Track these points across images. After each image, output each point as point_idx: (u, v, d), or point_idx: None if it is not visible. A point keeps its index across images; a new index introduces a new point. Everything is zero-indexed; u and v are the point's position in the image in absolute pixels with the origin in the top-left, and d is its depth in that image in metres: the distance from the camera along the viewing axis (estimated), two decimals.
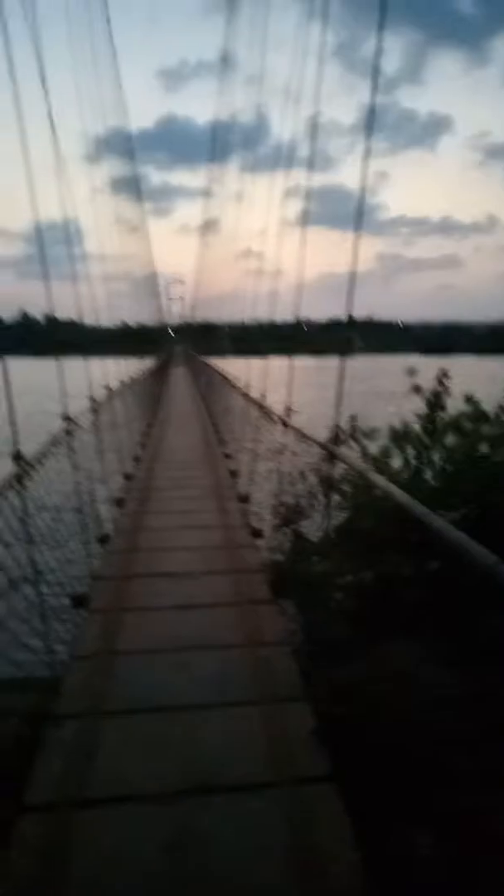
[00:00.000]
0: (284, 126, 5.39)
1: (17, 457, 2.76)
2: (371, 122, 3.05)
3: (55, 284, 4.63)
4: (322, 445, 3.19)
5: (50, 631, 3.13)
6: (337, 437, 3.15)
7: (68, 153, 5.29)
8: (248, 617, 3.66)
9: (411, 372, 6.12)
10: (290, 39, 4.77)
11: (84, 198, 8.31)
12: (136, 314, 17.26)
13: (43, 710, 2.73)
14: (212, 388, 15.99)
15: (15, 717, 2.76)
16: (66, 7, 6.85)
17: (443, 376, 5.90)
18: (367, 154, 3.02)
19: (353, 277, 3.13)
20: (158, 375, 21.07)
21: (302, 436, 3.75)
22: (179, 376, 30.51)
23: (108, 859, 1.98)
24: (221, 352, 16.53)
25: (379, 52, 2.99)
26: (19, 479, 2.70)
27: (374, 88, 2.93)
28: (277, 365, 7.43)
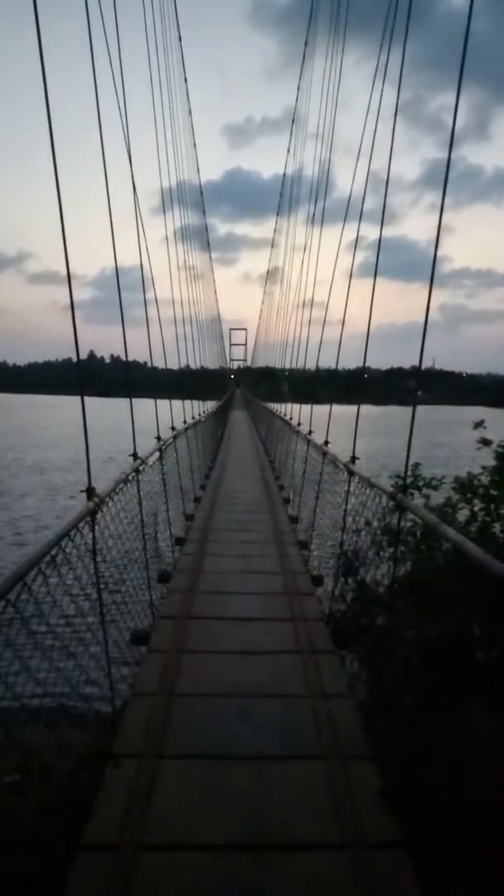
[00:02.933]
0: (349, 180, 5.54)
1: (90, 493, 2.84)
2: (446, 178, 3.09)
3: (121, 329, 4.83)
4: (390, 495, 3.14)
5: (111, 666, 3.14)
6: (406, 488, 3.09)
7: (142, 204, 5.59)
8: (310, 666, 3.57)
9: (479, 424, 5.99)
10: (354, 98, 4.97)
11: (154, 246, 8.71)
12: (199, 358, 17.72)
13: (104, 750, 2.71)
14: (271, 432, 16.09)
15: (74, 755, 2.76)
16: (148, 67, 7.34)
17: None
18: (441, 215, 3.05)
19: (424, 330, 3.12)
20: (219, 418, 21.40)
21: (369, 484, 3.70)
22: (239, 420, 30.89)
23: None
24: (281, 397, 16.69)
25: (456, 111, 3.05)
26: (92, 514, 2.76)
27: (448, 163, 2.98)
28: (338, 412, 7.43)
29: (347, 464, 4.33)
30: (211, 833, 2.23)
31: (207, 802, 2.40)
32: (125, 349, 4.78)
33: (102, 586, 3.09)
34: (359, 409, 4.40)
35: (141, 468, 4.24)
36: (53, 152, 2.64)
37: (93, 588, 2.99)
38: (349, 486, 4.27)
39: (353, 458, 4.29)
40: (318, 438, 6.53)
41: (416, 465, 6.30)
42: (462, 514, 5.64)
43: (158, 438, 5.56)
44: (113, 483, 3.33)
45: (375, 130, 4.83)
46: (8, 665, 2.20)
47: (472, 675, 3.01)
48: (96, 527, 2.88)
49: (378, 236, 4.24)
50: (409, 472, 5.66)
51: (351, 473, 4.26)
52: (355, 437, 4.42)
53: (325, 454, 5.71)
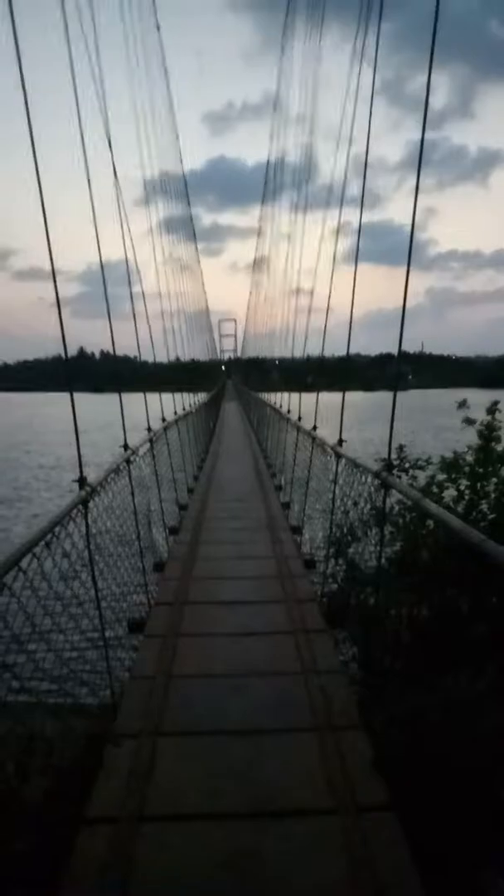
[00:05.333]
0: (333, 165, 5.56)
1: (82, 482, 2.91)
2: (419, 164, 3.14)
3: (113, 322, 4.88)
4: (375, 474, 3.22)
5: (109, 653, 3.22)
6: (390, 466, 3.17)
7: (125, 196, 5.61)
8: (303, 645, 3.66)
9: (462, 404, 6.09)
10: (335, 80, 4.95)
11: (139, 238, 8.72)
12: (189, 350, 17.74)
13: (103, 731, 2.79)
14: (263, 421, 16.15)
15: (79, 735, 2.84)
16: (126, 56, 7.33)
17: (493, 407, 5.85)
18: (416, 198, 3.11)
19: (403, 314, 3.20)
20: (211, 409, 21.43)
21: (354, 465, 3.78)
22: (231, 410, 30.91)
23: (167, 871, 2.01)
24: (272, 387, 16.74)
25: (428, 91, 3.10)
26: (84, 503, 2.83)
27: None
28: (328, 399, 7.49)
29: (334, 446, 4.41)
30: (208, 804, 2.32)
31: (206, 776, 2.48)
32: (112, 344, 4.84)
33: (98, 573, 3.17)
34: (344, 396, 4.48)
35: (132, 458, 4.30)
36: (33, 147, 2.68)
37: (88, 576, 3.06)
38: (336, 468, 4.35)
39: (340, 441, 4.37)
40: (311, 425, 6.61)
41: (401, 446, 6.39)
42: (449, 494, 5.74)
43: (149, 429, 5.62)
44: (104, 473, 3.40)
45: (354, 113, 4.84)
46: (4, 651, 2.27)
47: (460, 648, 3.11)
48: (89, 515, 2.95)
49: (363, 220, 4.27)
50: (396, 455, 5.78)
51: (338, 456, 4.34)
52: (341, 421, 4.50)
53: (313, 439, 5.79)
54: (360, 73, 4.57)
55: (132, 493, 4.21)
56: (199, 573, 5.13)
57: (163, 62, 12.89)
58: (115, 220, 5.52)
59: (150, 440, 5.54)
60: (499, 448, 5.83)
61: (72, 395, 3.04)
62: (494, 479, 5.74)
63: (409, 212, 3.03)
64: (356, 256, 4.40)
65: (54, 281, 2.87)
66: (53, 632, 2.81)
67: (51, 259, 2.84)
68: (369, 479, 3.41)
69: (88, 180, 4.03)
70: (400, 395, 3.36)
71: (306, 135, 8.05)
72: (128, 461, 4.17)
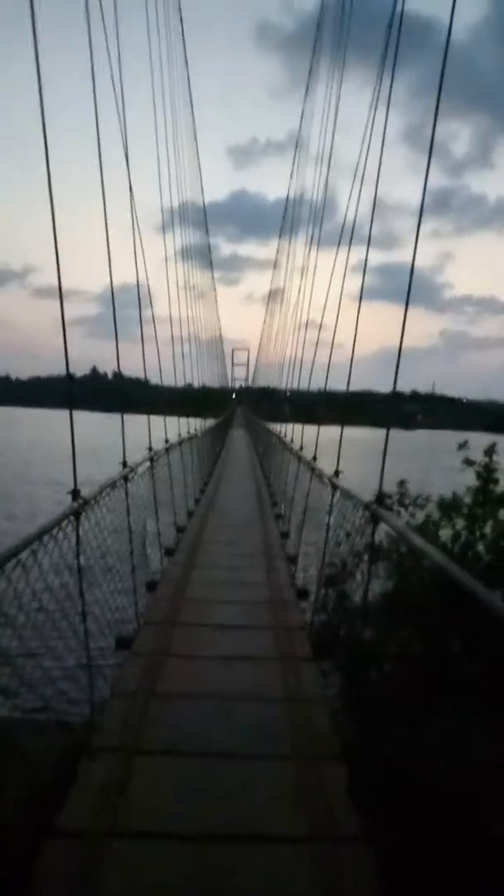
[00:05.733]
0: (351, 204, 5.69)
1: (76, 494, 2.95)
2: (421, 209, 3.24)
3: (125, 345, 4.99)
4: (365, 506, 3.25)
5: (93, 667, 3.22)
6: (381, 499, 3.20)
7: (145, 222, 5.77)
8: (290, 673, 3.64)
9: (462, 445, 6.11)
10: (359, 122, 5.05)
11: (159, 264, 8.91)
12: (201, 376, 17.92)
13: (80, 745, 2.78)
14: (269, 450, 16.21)
15: (55, 749, 2.83)
16: (151, 89, 7.60)
17: (491, 449, 5.87)
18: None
19: (399, 353, 3.27)
20: (218, 436, 21.54)
21: (347, 496, 3.81)
22: (239, 437, 31.02)
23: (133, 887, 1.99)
24: (281, 417, 16.84)
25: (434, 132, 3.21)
26: (76, 514, 2.87)
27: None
28: (333, 432, 7.55)
29: (331, 477, 4.44)
30: (181, 824, 2.30)
31: (181, 796, 2.46)
32: (118, 364, 4.93)
33: (86, 586, 3.19)
34: (342, 430, 4.54)
35: (130, 476, 4.35)
36: (49, 173, 2.79)
37: (75, 588, 3.08)
38: (332, 498, 4.38)
39: (337, 473, 4.40)
40: (320, 461, 6.65)
41: (402, 482, 6.40)
42: (445, 534, 5.73)
43: (150, 448, 5.67)
44: (99, 487, 3.44)
45: (366, 153, 4.97)
46: None
47: (445, 687, 3.09)
48: (80, 528, 2.98)
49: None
50: (396, 490, 5.80)
51: (334, 487, 4.37)
52: (339, 453, 4.55)
53: (312, 469, 5.82)
54: (373, 116, 4.71)
55: (127, 510, 4.24)
56: (191, 595, 5.12)
57: (189, 96, 13.35)
58: (133, 244, 5.67)
59: (151, 459, 5.59)
60: (497, 490, 5.84)
61: (71, 410, 3.12)
62: (491, 522, 5.74)
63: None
64: (360, 293, 4.48)
65: (61, 301, 2.97)
66: (36, 643, 2.82)
67: (59, 279, 2.94)
68: (360, 511, 3.43)
69: (104, 202, 4.17)
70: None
71: (324, 173, 8.24)
72: (125, 478, 4.21)
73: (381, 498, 3.20)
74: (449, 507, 5.89)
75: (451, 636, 3.88)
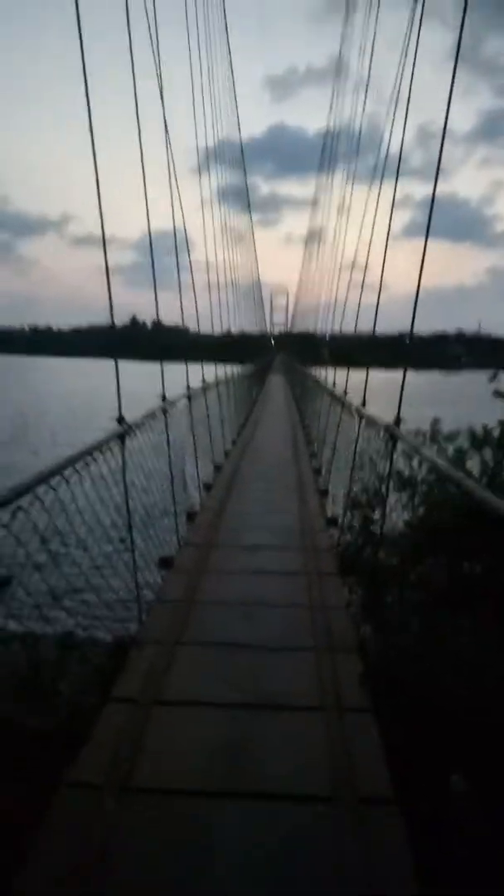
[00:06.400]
0: (396, 134, 5.44)
1: (120, 419, 3.28)
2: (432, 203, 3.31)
3: (163, 293, 5.15)
4: (385, 427, 3.50)
5: (141, 582, 3.63)
6: (398, 421, 3.44)
7: (181, 164, 5.84)
8: (314, 585, 4.00)
9: (494, 377, 6.21)
10: (402, 42, 4.70)
11: (194, 208, 8.95)
12: (239, 323, 17.99)
13: (131, 639, 3.21)
14: (305, 393, 16.37)
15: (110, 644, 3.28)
16: (185, 18, 7.47)
17: None
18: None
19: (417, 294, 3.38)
20: (256, 380, 21.74)
21: (369, 421, 4.06)
22: (277, 383, 31.12)
23: (173, 751, 2.39)
24: (321, 362, 16.87)
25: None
26: (121, 437, 3.21)
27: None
28: (378, 376, 7.59)
29: (358, 407, 4.68)
30: (217, 696, 2.70)
31: (215, 676, 2.87)
32: (157, 313, 5.16)
33: (132, 506, 3.56)
34: (368, 372, 4.71)
35: (169, 408, 4.67)
36: (90, 114, 3.00)
37: (123, 509, 3.45)
38: (359, 427, 4.63)
39: (364, 403, 4.63)
40: (357, 401, 6.77)
41: (436, 419, 6.56)
42: (473, 464, 5.92)
43: (188, 387, 5.98)
44: (141, 416, 3.77)
45: (404, 74, 4.66)
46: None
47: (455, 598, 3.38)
48: (126, 451, 3.33)
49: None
50: (429, 427, 5.99)
51: (361, 416, 4.61)
52: (365, 386, 4.76)
53: (342, 403, 6.05)
54: (411, 32, 4.41)
55: (168, 441, 4.59)
56: (227, 522, 5.51)
57: (224, 22, 12.92)
58: (170, 188, 5.75)
59: (189, 396, 5.91)
60: None
61: (116, 352, 3.40)
62: None
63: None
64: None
65: (104, 252, 3.22)
66: (87, 553, 3.22)
67: (102, 233, 3.19)
68: (381, 433, 3.68)
69: (140, 144, 4.29)
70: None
71: (364, 101, 7.97)
72: (164, 410, 4.54)
73: (398, 420, 3.44)
74: (479, 439, 6.06)
75: (468, 552, 4.16)
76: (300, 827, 1.95)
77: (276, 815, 2.00)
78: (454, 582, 4.06)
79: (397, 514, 4.10)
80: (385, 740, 2.44)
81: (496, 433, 6.27)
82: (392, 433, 3.39)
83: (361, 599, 3.86)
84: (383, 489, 4.15)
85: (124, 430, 3.23)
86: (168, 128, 5.67)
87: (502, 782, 2.37)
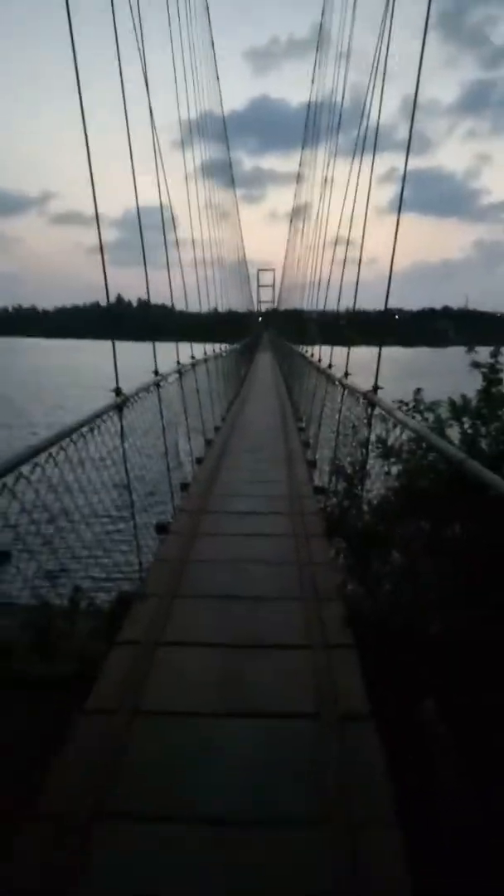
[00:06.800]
0: (377, 107, 5.46)
1: (118, 391, 3.52)
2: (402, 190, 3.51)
3: (149, 271, 5.28)
4: (363, 394, 3.77)
5: (141, 544, 3.91)
6: (375, 389, 3.71)
7: (163, 139, 5.89)
8: (302, 546, 4.29)
9: (471, 349, 6.49)
10: (382, 11, 4.56)
11: (177, 184, 9.03)
12: (226, 301, 18.06)
13: (132, 594, 3.49)
14: (293, 369, 16.58)
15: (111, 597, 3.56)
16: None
17: (496, 351, 6.24)
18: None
19: (390, 274, 3.62)
20: (244, 358, 21.90)
21: (350, 390, 4.32)
22: (265, 361, 31.26)
23: (176, 682, 2.68)
24: (309, 340, 17.06)
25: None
26: (119, 407, 3.45)
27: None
28: (359, 353, 7.79)
29: (341, 378, 4.94)
30: (213, 638, 2.99)
31: (211, 620, 3.16)
32: (147, 292, 5.34)
33: (131, 474, 3.81)
34: (349, 347, 4.95)
35: (161, 383, 4.90)
36: (80, 95, 3.17)
37: (121, 476, 3.70)
38: (342, 397, 4.89)
39: (346, 374, 4.89)
40: (342, 374, 6.99)
41: (418, 389, 6.84)
42: (452, 433, 6.21)
43: (178, 362, 6.20)
44: (136, 388, 4.01)
45: (384, 43, 4.68)
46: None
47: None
48: (123, 421, 3.57)
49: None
50: (412, 397, 6.27)
51: (344, 386, 4.87)
52: (347, 359, 5.01)
53: (327, 376, 6.30)
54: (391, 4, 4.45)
55: (160, 413, 4.83)
56: (219, 491, 5.78)
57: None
58: (154, 162, 5.80)
59: (179, 372, 6.14)
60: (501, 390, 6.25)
61: (111, 331, 3.61)
62: (496, 424, 6.19)
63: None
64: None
65: (98, 232, 3.42)
66: (88, 520, 3.48)
67: (96, 216, 3.38)
68: (361, 400, 3.95)
69: (126, 117, 4.41)
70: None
71: (346, 72, 7.99)
72: (157, 384, 4.77)
73: (376, 388, 3.71)
74: (459, 409, 6.36)
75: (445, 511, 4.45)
76: (290, 736, 2.26)
77: (269, 727, 2.30)
78: (431, 542, 4.38)
79: (380, 478, 4.40)
80: (365, 671, 2.74)
81: (474, 403, 6.60)
82: (370, 399, 3.65)
83: (345, 555, 4.16)
84: (364, 454, 4.43)
85: (122, 401, 3.47)
86: (152, 104, 5.76)
87: (466, 706, 2.69)
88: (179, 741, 2.22)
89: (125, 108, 4.50)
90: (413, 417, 6.21)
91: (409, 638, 3.03)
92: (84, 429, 2.80)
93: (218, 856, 1.73)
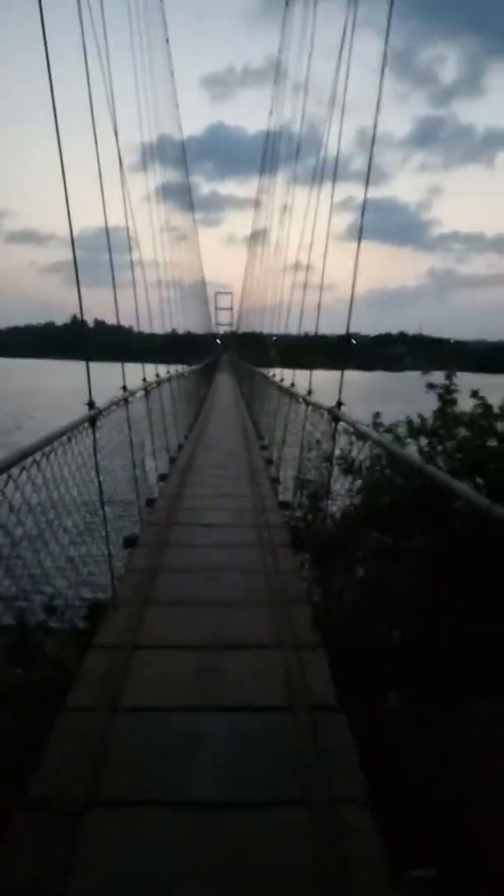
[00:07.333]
0: (334, 138, 5.73)
1: (91, 405, 3.63)
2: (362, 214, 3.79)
3: (104, 291, 5.27)
4: (328, 410, 3.97)
5: (112, 559, 3.98)
6: (339, 405, 3.93)
7: (123, 161, 5.95)
8: (268, 555, 4.43)
9: (426, 373, 6.82)
10: (339, 48, 4.84)
11: (136, 205, 9.17)
12: (185, 322, 18.21)
13: (106, 603, 3.57)
14: (254, 390, 16.83)
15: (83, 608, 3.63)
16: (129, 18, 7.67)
17: (450, 375, 6.60)
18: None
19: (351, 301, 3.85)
20: (204, 379, 22.09)
21: (315, 406, 4.53)
22: (225, 382, 31.51)
23: (153, 681, 2.77)
24: (268, 363, 17.34)
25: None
26: (92, 420, 3.55)
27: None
28: (319, 377, 7.99)
29: (304, 396, 5.14)
30: (187, 640, 3.09)
31: (183, 626, 3.26)
32: (117, 314, 5.43)
33: (102, 485, 3.89)
34: (311, 370, 5.18)
35: (129, 398, 5.01)
36: (56, 116, 3.30)
37: (94, 489, 3.78)
38: (305, 414, 5.10)
39: (310, 392, 5.10)
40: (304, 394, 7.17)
41: (377, 413, 7.13)
42: (411, 450, 6.50)
43: (144, 379, 6.32)
44: (108, 402, 4.12)
45: (342, 77, 5.01)
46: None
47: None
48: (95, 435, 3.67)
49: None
50: (371, 420, 6.56)
51: (308, 403, 5.07)
52: (311, 376, 5.23)
53: (291, 395, 6.51)
54: (349, 37, 4.74)
55: (129, 426, 4.93)
56: (185, 506, 5.89)
57: (164, 29, 13.16)
58: (113, 183, 5.83)
59: (146, 389, 6.25)
60: (455, 411, 6.59)
61: (85, 351, 3.72)
62: (451, 443, 6.51)
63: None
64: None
65: (73, 252, 3.55)
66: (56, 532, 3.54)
67: (70, 232, 3.51)
68: (325, 415, 4.16)
69: (95, 138, 4.56)
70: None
71: (305, 104, 8.36)
72: (126, 400, 4.87)
73: (339, 404, 3.92)
74: (416, 428, 6.67)
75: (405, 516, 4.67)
76: (265, 726, 2.38)
77: (244, 719, 2.42)
78: (389, 549, 4.59)
79: (343, 491, 4.61)
80: (333, 668, 2.89)
81: (430, 423, 6.93)
82: (334, 415, 3.86)
83: (310, 565, 4.33)
84: (327, 468, 4.63)
85: (94, 414, 3.57)
86: (109, 126, 5.83)
87: (424, 698, 2.87)
88: (160, 734, 2.32)
89: (94, 125, 4.57)
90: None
91: (372, 639, 3.21)
92: (63, 438, 2.89)
93: (205, 835, 1.84)
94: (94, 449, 3.56)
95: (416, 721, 2.76)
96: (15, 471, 2.49)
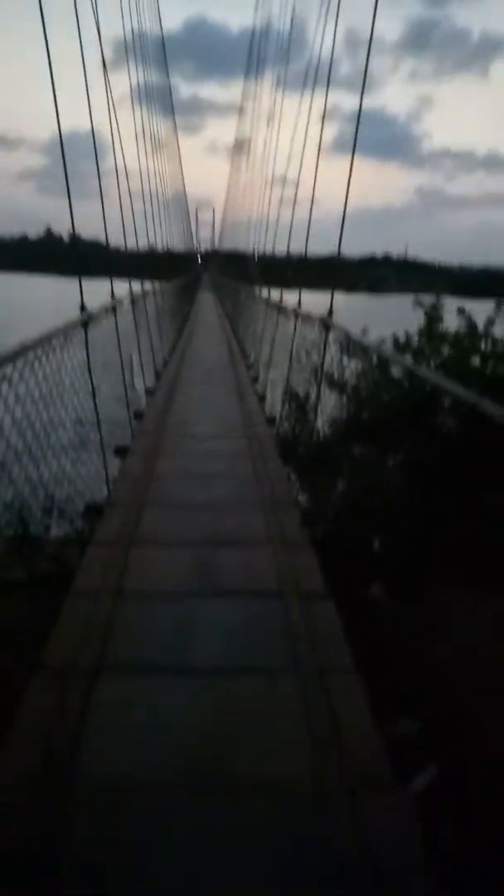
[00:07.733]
0: (322, 38, 5.32)
1: (83, 308, 3.61)
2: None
3: (80, 202, 4.87)
4: (320, 319, 3.99)
5: (107, 463, 4.06)
6: (330, 312, 3.94)
7: (94, 56, 5.19)
8: (258, 463, 4.56)
9: (416, 298, 6.80)
10: None
11: (110, 106, 8.49)
12: (164, 238, 17.49)
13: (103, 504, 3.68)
14: (237, 307, 16.57)
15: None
16: None
17: (438, 293, 6.60)
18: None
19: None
20: (186, 296, 21.63)
21: (306, 317, 4.54)
22: (207, 300, 30.90)
23: (153, 571, 2.92)
24: (251, 282, 16.91)
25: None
26: (84, 324, 3.54)
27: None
28: (309, 299, 7.77)
29: (295, 307, 5.13)
30: (182, 537, 3.24)
31: (177, 525, 3.40)
32: (105, 228, 5.17)
33: (95, 391, 3.92)
34: (300, 287, 5.11)
35: (117, 307, 4.95)
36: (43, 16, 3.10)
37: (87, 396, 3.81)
38: (295, 326, 5.10)
39: (300, 303, 5.08)
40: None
41: (364, 329, 7.13)
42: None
43: (131, 291, 6.21)
44: (99, 308, 4.08)
45: None
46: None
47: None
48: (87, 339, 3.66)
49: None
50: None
51: (297, 315, 5.07)
52: (300, 290, 5.19)
53: (279, 308, 6.46)
54: None
55: (118, 338, 4.90)
56: (173, 419, 5.95)
57: None
58: (87, 82, 5.17)
59: (132, 300, 6.16)
60: (441, 329, 6.63)
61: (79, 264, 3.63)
62: (436, 360, 6.58)
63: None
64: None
65: (63, 157, 3.39)
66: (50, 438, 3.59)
67: (60, 137, 3.35)
68: (317, 325, 4.18)
69: (79, 29, 4.16)
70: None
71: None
72: (114, 308, 4.82)
73: (331, 312, 3.94)
74: (402, 346, 6.71)
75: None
76: (258, 608, 2.56)
77: (239, 602, 2.60)
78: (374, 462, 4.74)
79: (331, 403, 4.70)
80: (321, 562, 3.06)
81: (414, 341, 6.97)
82: (326, 323, 3.88)
83: (298, 474, 4.48)
84: (319, 376, 4.70)
85: (87, 318, 3.56)
86: (83, 11, 5.13)
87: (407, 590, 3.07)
88: (161, 613, 2.48)
89: (76, 6, 4.20)
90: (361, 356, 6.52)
91: (356, 543, 3.39)
92: (44, 347, 2.88)
93: (205, 695, 2.02)
94: (87, 352, 3.56)
95: (397, 609, 2.98)
96: (13, 368, 2.52)
